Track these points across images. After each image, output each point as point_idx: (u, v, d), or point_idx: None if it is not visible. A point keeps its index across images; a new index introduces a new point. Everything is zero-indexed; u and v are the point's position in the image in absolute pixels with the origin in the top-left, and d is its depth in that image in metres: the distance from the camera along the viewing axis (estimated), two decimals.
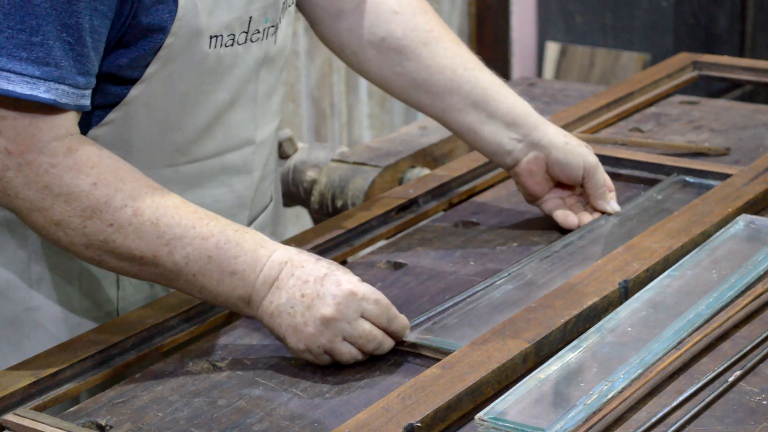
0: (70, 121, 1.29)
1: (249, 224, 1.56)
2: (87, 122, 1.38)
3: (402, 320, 1.36)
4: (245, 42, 1.41)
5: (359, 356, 1.34)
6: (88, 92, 1.30)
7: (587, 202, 1.68)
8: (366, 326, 1.33)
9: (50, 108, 1.27)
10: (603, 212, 1.67)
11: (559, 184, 1.67)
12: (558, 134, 1.64)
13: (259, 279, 1.33)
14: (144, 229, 1.30)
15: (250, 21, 1.40)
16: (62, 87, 1.27)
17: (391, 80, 1.63)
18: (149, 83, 1.37)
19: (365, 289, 1.33)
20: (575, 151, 1.64)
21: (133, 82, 1.37)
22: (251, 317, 1.36)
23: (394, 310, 1.35)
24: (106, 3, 1.28)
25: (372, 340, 1.33)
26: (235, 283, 1.33)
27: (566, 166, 1.64)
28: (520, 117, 1.63)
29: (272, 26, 1.45)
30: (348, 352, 1.33)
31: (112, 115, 1.38)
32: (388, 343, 1.35)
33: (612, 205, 1.67)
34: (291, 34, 1.54)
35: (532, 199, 1.69)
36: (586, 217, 1.66)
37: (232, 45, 1.40)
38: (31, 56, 1.24)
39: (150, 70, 1.36)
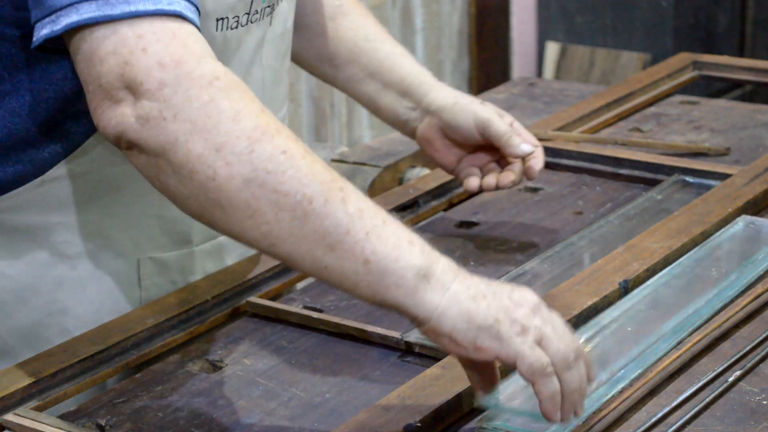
0: (205, 42, 1.17)
1: None
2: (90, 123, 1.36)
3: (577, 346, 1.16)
4: (247, 24, 1.41)
5: (567, 359, 1.13)
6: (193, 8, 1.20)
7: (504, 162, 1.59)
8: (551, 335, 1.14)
9: (182, 20, 1.16)
10: (517, 160, 1.57)
11: (474, 152, 1.61)
12: (448, 96, 1.60)
13: (441, 259, 1.13)
14: (317, 167, 1.12)
15: (252, 2, 1.40)
16: (182, 2, 1.16)
17: (301, 56, 1.67)
18: None
19: (544, 306, 1.16)
20: (465, 109, 1.58)
21: None
22: (420, 310, 1.11)
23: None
24: None
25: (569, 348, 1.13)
26: (414, 252, 1.12)
27: (456, 126, 1.58)
28: (412, 85, 1.62)
29: (268, 6, 1.44)
30: (556, 348, 1.12)
31: None
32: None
33: (522, 147, 1.56)
34: (290, 18, 1.53)
35: (447, 170, 1.64)
36: (491, 179, 1.57)
37: (236, 27, 1.40)
38: None
39: None
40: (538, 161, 1.58)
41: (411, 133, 1.65)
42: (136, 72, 1.13)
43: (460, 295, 1.11)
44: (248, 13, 1.41)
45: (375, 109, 1.66)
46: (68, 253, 1.43)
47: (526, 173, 1.58)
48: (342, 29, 1.65)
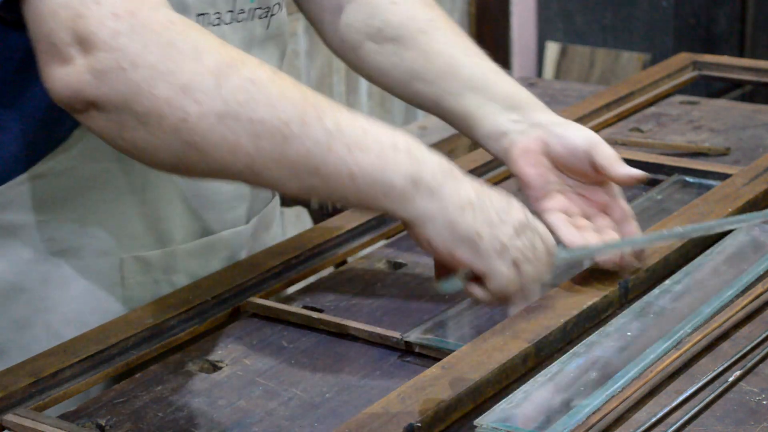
0: None
1: (250, 219, 1.55)
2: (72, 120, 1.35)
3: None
4: (231, 22, 1.40)
5: (537, 282, 1.21)
6: None
7: (599, 209, 1.46)
8: (535, 246, 1.21)
9: None
10: (626, 183, 1.43)
11: (562, 188, 1.47)
12: (557, 117, 1.51)
13: (430, 160, 1.13)
14: (288, 89, 1.11)
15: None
16: None
17: (388, 72, 1.55)
18: None
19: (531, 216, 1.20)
20: (573, 126, 1.48)
21: None
22: (409, 213, 1.13)
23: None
24: None
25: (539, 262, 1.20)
26: (400, 158, 1.12)
27: (566, 138, 1.44)
28: (522, 101, 1.50)
29: (260, 8, 1.43)
30: (530, 274, 1.19)
31: None
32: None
33: (633, 171, 1.42)
34: (286, 23, 1.52)
35: (525, 190, 1.47)
36: (593, 238, 1.42)
37: (218, 24, 1.39)
38: None
39: None
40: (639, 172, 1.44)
41: (506, 147, 1.47)
42: (89, 23, 1.08)
43: (447, 203, 1.12)
44: (232, 11, 1.39)
45: (472, 124, 1.50)
46: (52, 250, 1.43)
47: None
48: (437, 42, 1.53)
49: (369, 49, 1.56)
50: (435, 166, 1.12)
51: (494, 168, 1.86)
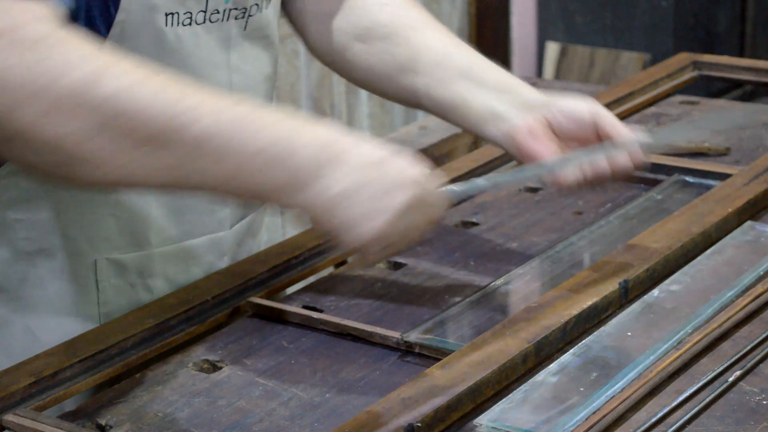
0: (54, 11, 1.13)
1: (233, 224, 1.53)
2: None
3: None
4: (204, 22, 1.39)
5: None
6: None
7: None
8: (427, 212, 1.24)
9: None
10: (632, 145, 1.46)
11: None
12: (551, 94, 1.53)
13: (305, 154, 1.16)
14: (159, 94, 1.11)
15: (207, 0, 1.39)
16: None
17: (378, 69, 1.56)
18: None
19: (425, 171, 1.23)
20: (574, 99, 1.51)
21: None
22: (289, 203, 1.19)
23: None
24: None
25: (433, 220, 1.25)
26: (263, 161, 1.15)
27: (572, 112, 1.47)
28: (511, 83, 1.52)
29: (236, 9, 1.42)
30: (390, 254, 1.25)
31: None
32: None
33: (638, 134, 1.47)
34: (272, 25, 1.51)
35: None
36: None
37: (190, 24, 1.38)
38: None
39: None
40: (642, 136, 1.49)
41: (507, 132, 1.48)
42: None
43: (328, 190, 1.16)
44: (204, 11, 1.39)
45: (464, 110, 1.51)
46: (27, 250, 1.43)
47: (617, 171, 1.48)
48: (427, 38, 1.55)
49: (358, 50, 1.57)
50: (311, 161, 1.16)
51: (494, 168, 1.86)
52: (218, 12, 1.40)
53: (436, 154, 2.10)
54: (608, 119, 1.47)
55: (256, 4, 1.45)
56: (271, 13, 1.49)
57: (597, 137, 1.47)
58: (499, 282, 1.52)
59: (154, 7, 1.34)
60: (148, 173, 1.13)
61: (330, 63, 1.62)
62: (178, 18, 1.36)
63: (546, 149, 1.46)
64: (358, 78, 1.60)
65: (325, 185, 1.17)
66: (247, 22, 1.44)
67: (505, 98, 1.50)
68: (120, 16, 1.32)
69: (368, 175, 1.19)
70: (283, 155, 1.15)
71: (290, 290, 1.56)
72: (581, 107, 1.48)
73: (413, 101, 1.57)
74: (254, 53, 1.48)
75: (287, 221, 1.72)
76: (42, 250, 1.43)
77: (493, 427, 1.20)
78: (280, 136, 1.16)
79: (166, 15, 1.35)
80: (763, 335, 1.36)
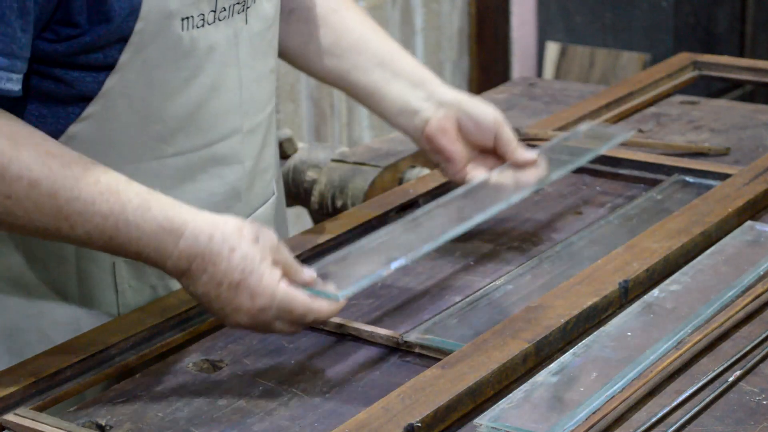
0: None
1: (246, 218, 1.54)
2: (65, 118, 1.36)
3: (322, 317, 1.31)
4: (214, 21, 1.40)
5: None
6: (15, 76, 1.26)
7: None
8: (284, 327, 1.31)
9: None
10: (523, 166, 1.58)
11: (481, 156, 1.61)
12: (459, 93, 1.62)
13: (167, 266, 1.30)
14: (42, 201, 1.26)
15: None
16: None
17: (301, 51, 1.64)
18: (124, 73, 1.35)
19: (280, 299, 1.28)
20: (482, 105, 1.60)
21: (105, 69, 1.35)
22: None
23: (312, 314, 1.30)
24: None
25: (295, 333, 1.33)
26: (144, 261, 1.30)
27: (478, 117, 1.58)
28: (425, 78, 1.61)
29: (238, 3, 1.43)
30: (280, 330, 1.31)
31: (89, 110, 1.36)
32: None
33: (528, 153, 1.58)
34: (274, 17, 1.52)
35: (450, 165, 1.60)
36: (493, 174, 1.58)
37: (203, 25, 1.39)
38: None
39: (123, 58, 1.34)
40: (532, 155, 1.59)
41: (420, 124, 1.60)
42: None
43: (193, 290, 1.29)
44: (214, 11, 1.39)
45: (379, 100, 1.62)
46: (43, 254, 1.43)
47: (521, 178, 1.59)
48: (347, 20, 1.64)
49: (281, 30, 1.60)
50: (170, 268, 1.29)
51: None
52: (225, 9, 1.41)
53: None
54: (507, 136, 1.58)
55: None
56: (267, 6, 1.49)
57: (494, 148, 1.59)
58: (499, 282, 1.52)
59: (171, 13, 1.35)
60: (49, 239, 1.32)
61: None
62: (193, 21, 1.37)
63: (453, 146, 1.59)
64: (286, 57, 1.66)
65: (191, 285, 1.30)
66: (246, 14, 1.45)
67: (419, 92, 1.60)
68: (139, 26, 1.33)
69: (219, 293, 1.28)
70: (153, 261, 1.29)
71: None
72: (488, 115, 1.58)
73: (336, 84, 1.66)
74: (259, 47, 1.49)
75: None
76: (58, 255, 1.43)
77: (493, 427, 1.20)
78: (150, 246, 1.28)
79: (182, 20, 1.36)
80: (763, 335, 1.36)
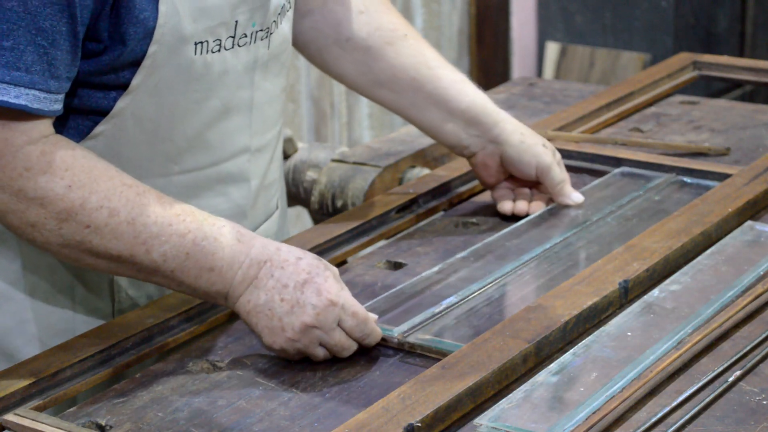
0: (44, 124, 1.29)
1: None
2: (76, 135, 1.37)
3: (376, 335, 1.38)
4: (233, 47, 1.41)
5: (329, 356, 1.37)
6: (61, 96, 1.30)
7: (547, 196, 1.74)
8: (342, 338, 1.35)
9: (22, 113, 1.27)
10: (565, 205, 1.72)
11: (513, 176, 1.74)
12: (515, 132, 1.70)
13: (237, 277, 1.34)
14: (120, 229, 1.31)
15: (236, 25, 1.40)
16: (33, 92, 1.26)
17: (355, 78, 1.69)
18: (136, 94, 1.36)
19: (345, 300, 1.35)
20: (530, 150, 1.69)
21: (118, 89, 1.36)
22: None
23: (371, 324, 1.37)
24: (86, 4, 1.28)
25: (346, 349, 1.35)
26: (213, 279, 1.34)
27: (519, 163, 1.70)
28: (479, 115, 1.69)
29: (261, 30, 1.44)
30: (323, 356, 1.35)
31: (100, 128, 1.37)
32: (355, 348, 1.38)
33: (573, 197, 1.72)
34: (289, 40, 1.53)
35: (486, 186, 1.76)
36: (523, 206, 1.73)
37: (219, 51, 1.39)
38: (1, 61, 1.24)
39: (136, 80, 1.35)
40: (577, 199, 1.72)
41: (469, 155, 1.72)
42: None
43: (240, 309, 1.36)
44: (233, 37, 1.40)
45: (435, 135, 1.73)
46: (40, 262, 1.43)
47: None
48: (402, 55, 1.68)
49: (336, 54, 1.66)
50: (237, 283, 1.35)
51: None
52: (246, 36, 1.41)
53: (436, 154, 2.10)
54: (552, 181, 1.71)
55: (275, 21, 1.46)
56: (286, 28, 1.50)
57: (538, 184, 1.73)
58: (499, 282, 1.52)
59: (184, 38, 1.35)
60: (112, 272, 1.37)
61: (305, 55, 1.71)
62: (207, 46, 1.38)
63: (494, 180, 1.73)
64: (336, 78, 1.71)
65: (254, 294, 1.35)
66: (269, 41, 1.45)
67: (471, 130, 1.69)
68: (152, 49, 1.33)
69: (283, 296, 1.34)
70: (223, 276, 1.34)
71: None
72: (530, 164, 1.70)
73: (389, 110, 1.74)
74: (273, 69, 1.49)
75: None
76: (56, 263, 1.43)
77: (493, 427, 1.20)
78: (224, 259, 1.34)
79: (195, 44, 1.36)
80: (763, 335, 1.36)
